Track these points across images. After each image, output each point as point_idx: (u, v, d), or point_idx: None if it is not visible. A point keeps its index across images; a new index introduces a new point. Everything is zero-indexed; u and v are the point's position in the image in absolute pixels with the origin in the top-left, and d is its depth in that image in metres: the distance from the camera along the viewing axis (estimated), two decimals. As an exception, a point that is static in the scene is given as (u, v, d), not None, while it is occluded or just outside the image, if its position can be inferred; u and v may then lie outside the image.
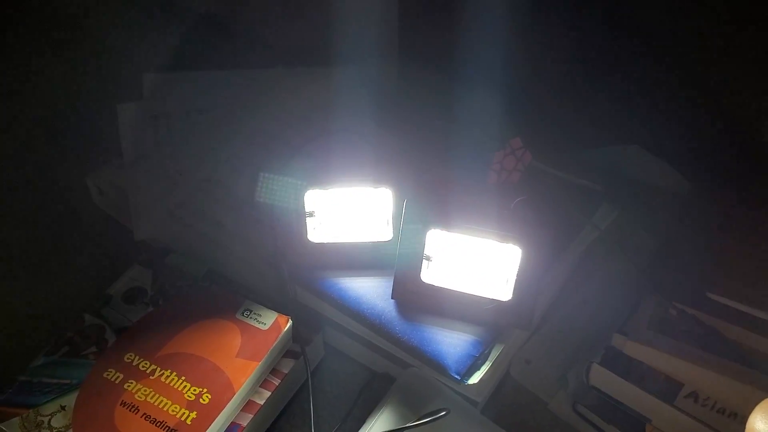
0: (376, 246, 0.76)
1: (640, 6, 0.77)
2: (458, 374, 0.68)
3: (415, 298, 0.72)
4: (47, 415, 0.68)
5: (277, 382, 0.72)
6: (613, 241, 0.80)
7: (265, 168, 0.75)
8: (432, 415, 0.68)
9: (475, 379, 0.68)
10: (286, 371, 0.73)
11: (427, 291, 0.72)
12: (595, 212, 0.81)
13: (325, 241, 0.76)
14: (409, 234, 0.70)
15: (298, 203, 0.74)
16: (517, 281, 0.70)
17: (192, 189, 0.86)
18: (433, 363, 0.69)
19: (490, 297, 0.71)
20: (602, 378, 0.71)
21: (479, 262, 0.70)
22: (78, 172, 0.91)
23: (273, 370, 0.73)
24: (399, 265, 0.71)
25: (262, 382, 0.72)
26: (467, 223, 0.69)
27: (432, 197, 0.73)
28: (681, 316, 0.72)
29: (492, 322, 0.71)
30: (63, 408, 0.68)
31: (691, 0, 0.72)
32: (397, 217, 0.73)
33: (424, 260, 0.71)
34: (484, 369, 0.69)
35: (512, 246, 0.69)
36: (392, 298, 0.73)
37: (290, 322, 0.73)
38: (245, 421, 0.69)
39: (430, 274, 0.71)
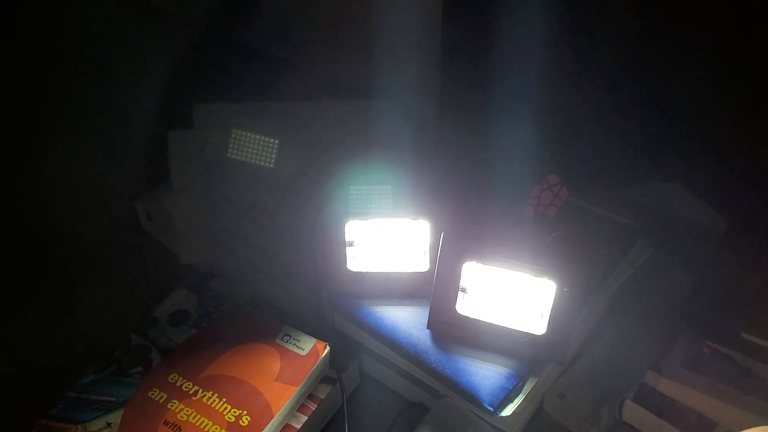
0: (413, 276, 0.77)
1: (678, 44, 0.78)
2: (491, 406, 0.69)
3: (451, 329, 0.73)
4: (94, 432, 0.71)
5: (313, 407, 0.74)
6: (648, 279, 0.80)
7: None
8: (464, 446, 0.69)
9: (508, 411, 0.69)
10: (322, 397, 0.74)
11: (462, 322, 0.73)
12: (631, 249, 0.82)
13: (363, 270, 0.78)
14: (445, 265, 0.72)
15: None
16: (551, 316, 0.71)
17: (237, 216, 0.89)
18: (467, 394, 0.70)
19: (525, 330, 0.72)
20: (635, 414, 0.71)
21: (514, 296, 0.71)
22: (128, 197, 0.94)
23: (310, 395, 0.74)
24: (435, 296, 0.73)
25: (299, 407, 0.73)
26: (503, 256, 0.71)
27: (468, 230, 0.75)
28: (715, 355, 0.72)
29: (526, 356, 0.72)
30: (109, 425, 0.71)
31: (732, 39, 0.73)
32: (434, 249, 0.75)
33: (459, 292, 0.72)
34: (518, 402, 0.70)
35: (547, 280, 0.70)
36: (428, 329, 0.74)
37: (328, 348, 0.75)
38: (282, 444, 0.71)
39: (465, 306, 0.73)
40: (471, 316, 0.73)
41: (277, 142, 0.84)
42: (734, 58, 0.74)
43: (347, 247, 0.77)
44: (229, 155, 0.85)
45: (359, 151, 0.91)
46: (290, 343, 0.76)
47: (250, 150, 0.85)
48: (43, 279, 0.90)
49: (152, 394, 0.73)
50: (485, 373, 0.71)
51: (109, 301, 0.88)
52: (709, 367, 0.72)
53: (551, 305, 0.70)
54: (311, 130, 0.94)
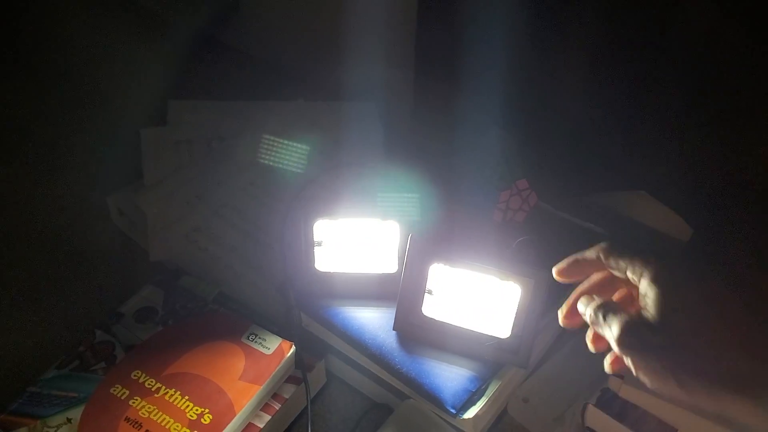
0: (381, 277, 0.77)
1: (653, 56, 0.79)
2: (454, 408, 0.69)
3: (416, 331, 0.74)
4: (53, 427, 0.70)
5: (277, 406, 0.73)
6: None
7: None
8: (426, 447, 0.69)
9: (470, 413, 0.69)
10: (287, 396, 0.74)
11: (427, 324, 0.73)
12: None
13: (331, 271, 0.78)
14: (412, 267, 0.72)
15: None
16: (516, 319, 0.71)
17: (208, 214, 0.89)
18: (430, 396, 0.70)
19: (490, 333, 0.72)
20: (597, 419, 0.71)
21: (480, 298, 0.72)
22: (99, 192, 0.94)
23: (274, 394, 0.74)
24: (401, 298, 0.73)
25: (263, 406, 0.73)
26: (469, 259, 0.71)
27: (437, 232, 0.75)
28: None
29: (490, 359, 0.73)
30: (69, 421, 0.70)
31: (698, 48, 0.74)
32: (402, 250, 0.75)
33: (426, 294, 0.72)
34: (480, 404, 0.70)
35: (512, 284, 0.70)
36: (394, 330, 0.74)
37: (293, 348, 0.75)
38: (245, 443, 0.71)
39: (431, 308, 0.73)
40: (437, 318, 0.73)
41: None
42: (702, 68, 0.75)
43: (315, 247, 0.77)
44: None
45: (331, 152, 0.91)
46: (256, 342, 0.75)
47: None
48: (6, 272, 0.89)
49: (114, 391, 0.72)
50: (449, 376, 0.71)
51: (74, 296, 0.87)
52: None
53: (516, 309, 0.71)
54: (286, 130, 0.95)
